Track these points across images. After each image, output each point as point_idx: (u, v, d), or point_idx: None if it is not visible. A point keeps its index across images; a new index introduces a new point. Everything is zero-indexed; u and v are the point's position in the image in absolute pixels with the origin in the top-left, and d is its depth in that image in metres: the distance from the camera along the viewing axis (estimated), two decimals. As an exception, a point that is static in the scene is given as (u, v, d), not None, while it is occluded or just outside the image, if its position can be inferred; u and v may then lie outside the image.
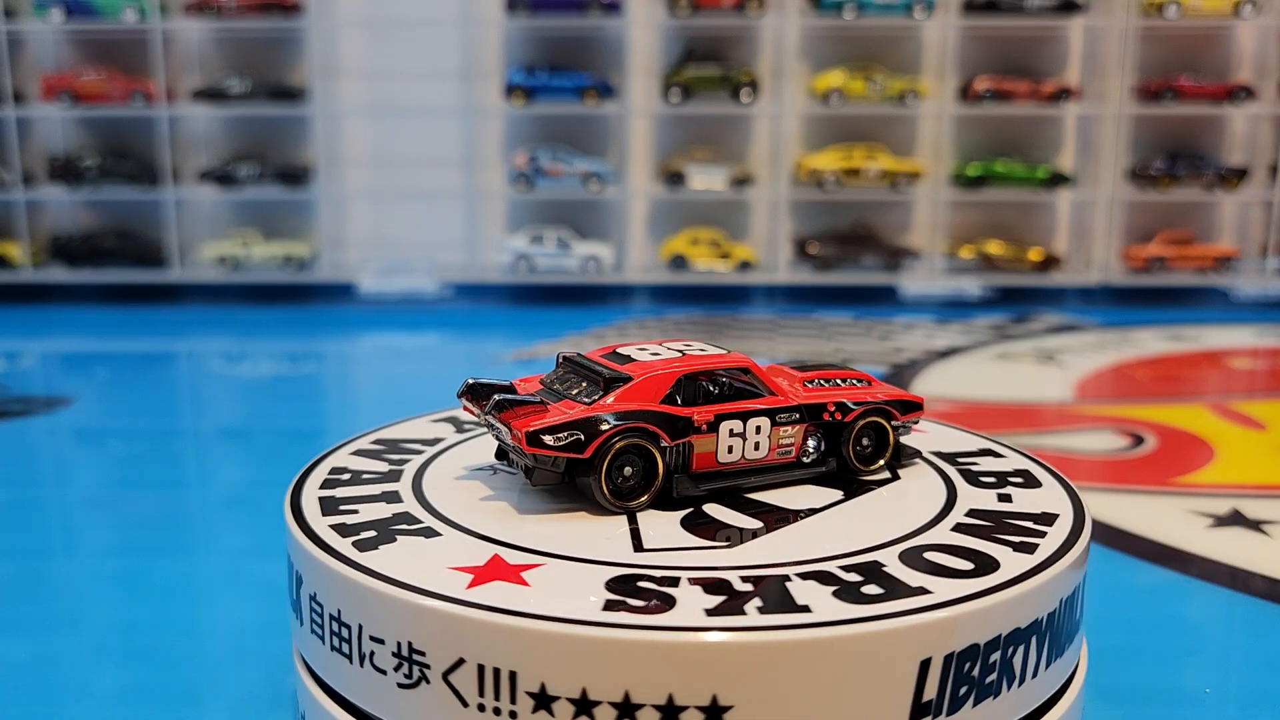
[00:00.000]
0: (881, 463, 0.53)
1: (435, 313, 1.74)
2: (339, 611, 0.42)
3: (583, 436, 0.46)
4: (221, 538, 0.82)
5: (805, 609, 0.39)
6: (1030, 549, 0.44)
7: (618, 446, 0.47)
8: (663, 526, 0.46)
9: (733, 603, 0.39)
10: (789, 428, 0.51)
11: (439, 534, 0.45)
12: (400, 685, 0.40)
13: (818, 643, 0.37)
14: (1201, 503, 0.83)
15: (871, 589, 0.40)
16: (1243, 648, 0.64)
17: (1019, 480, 0.52)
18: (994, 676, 0.40)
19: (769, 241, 1.85)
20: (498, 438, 0.49)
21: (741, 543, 0.45)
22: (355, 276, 1.81)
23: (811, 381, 0.54)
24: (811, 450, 0.52)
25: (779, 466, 0.51)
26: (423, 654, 0.39)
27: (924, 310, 1.72)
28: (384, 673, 0.41)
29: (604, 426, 0.46)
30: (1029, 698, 0.42)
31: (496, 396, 0.48)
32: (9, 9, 1.75)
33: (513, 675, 0.38)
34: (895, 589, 0.40)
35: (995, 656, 0.40)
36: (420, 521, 0.47)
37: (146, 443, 1.05)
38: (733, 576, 0.41)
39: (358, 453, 0.55)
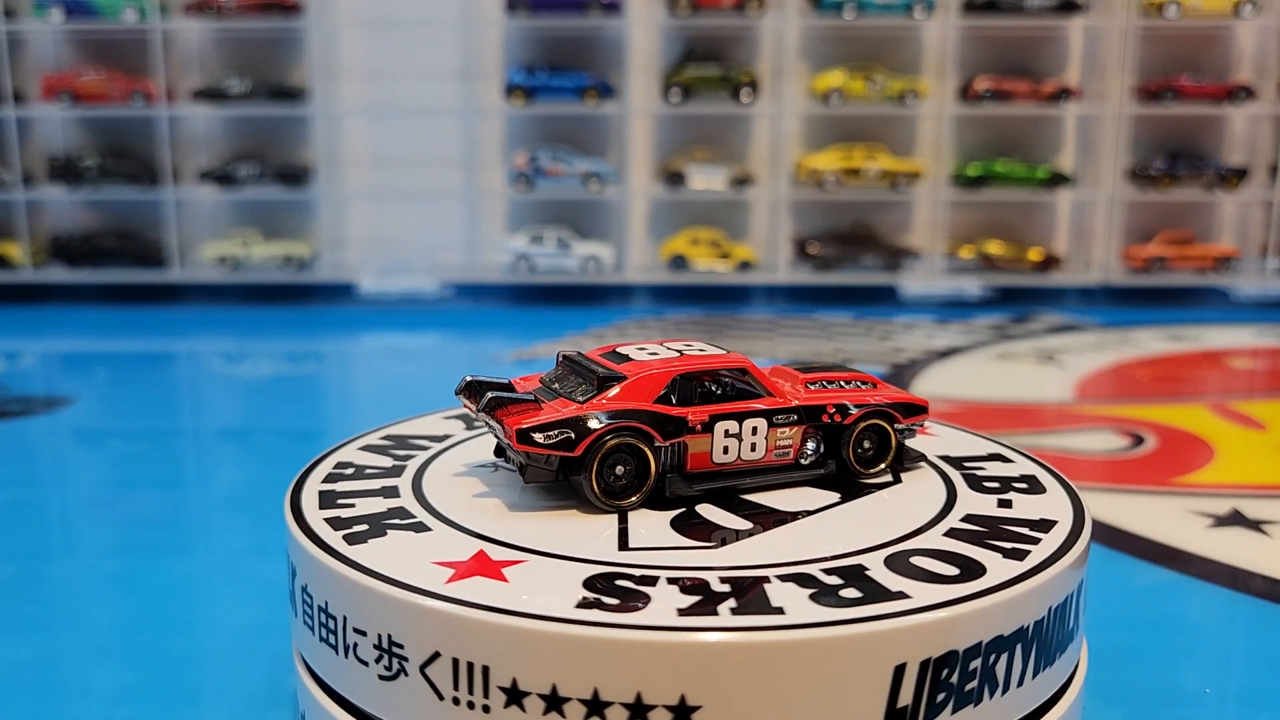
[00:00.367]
0: (883, 466, 0.53)
1: (435, 313, 1.74)
2: (326, 603, 0.43)
3: (573, 435, 0.46)
4: (221, 538, 0.82)
5: (779, 611, 0.38)
6: (1021, 555, 0.43)
7: (609, 445, 0.47)
8: (652, 526, 0.46)
9: (707, 603, 0.39)
10: (786, 429, 0.50)
11: (429, 529, 0.46)
12: (381, 677, 0.41)
13: (788, 645, 0.37)
14: (1201, 503, 0.83)
15: (850, 592, 0.40)
16: (1243, 648, 0.64)
17: (1023, 486, 0.52)
18: (975, 684, 0.40)
19: (769, 241, 1.85)
20: (496, 435, 0.50)
21: (728, 544, 0.45)
22: (355, 276, 1.81)
23: (814, 383, 0.53)
24: (810, 452, 0.51)
25: (776, 468, 0.51)
26: (401, 647, 0.40)
27: (924, 310, 1.72)
28: (366, 664, 0.41)
29: (594, 425, 0.47)
30: (1015, 706, 0.42)
31: (490, 394, 0.48)
32: (9, 9, 1.75)
33: (485, 670, 0.38)
34: (873, 593, 0.40)
35: (976, 663, 0.40)
36: (413, 516, 0.47)
37: (146, 443, 1.05)
38: (712, 577, 0.41)
39: (366, 448, 0.56)
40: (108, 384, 1.33)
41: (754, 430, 0.50)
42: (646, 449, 0.47)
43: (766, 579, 0.41)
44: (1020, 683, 0.41)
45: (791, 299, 1.81)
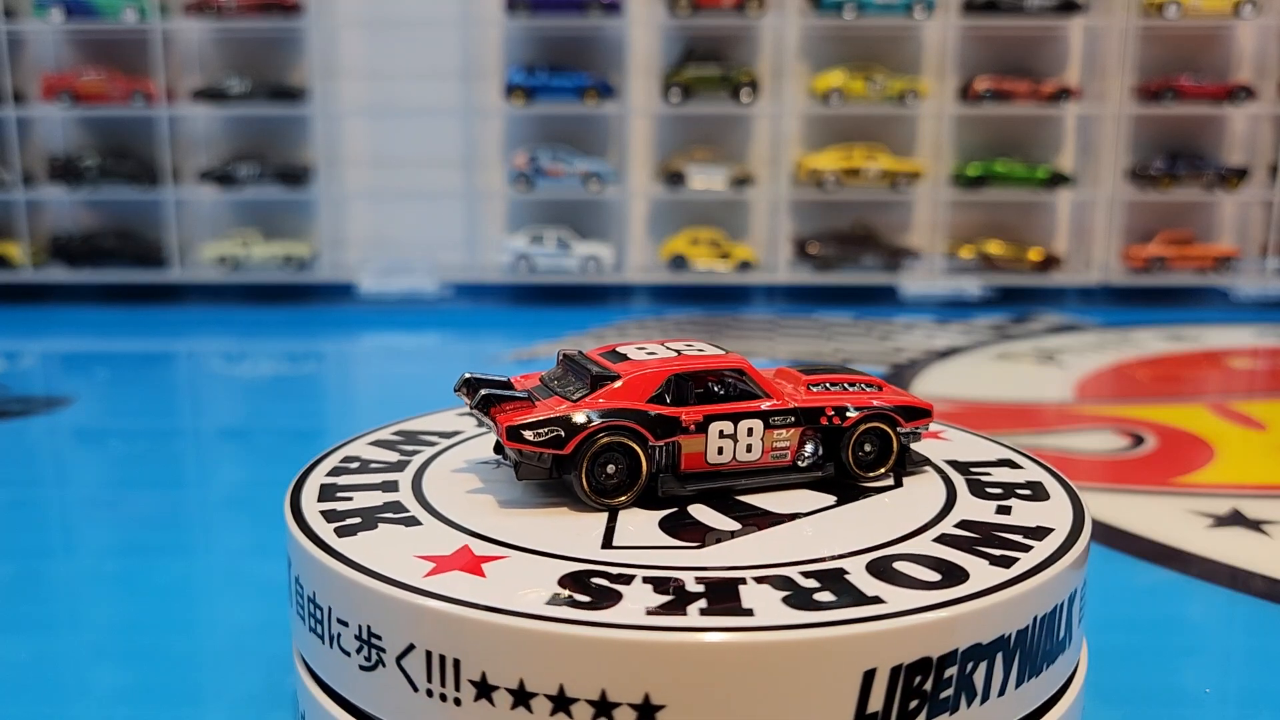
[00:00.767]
0: (883, 470, 0.52)
1: (435, 313, 1.74)
2: (314, 594, 0.44)
3: (563, 433, 0.47)
4: (221, 538, 0.82)
5: (749, 612, 0.38)
6: (1008, 563, 0.42)
7: (600, 444, 0.47)
8: (640, 525, 0.46)
9: (677, 603, 0.39)
10: (783, 430, 0.50)
11: (420, 523, 0.46)
12: (361, 667, 0.41)
13: (753, 646, 0.37)
14: (1201, 503, 0.83)
15: (824, 596, 0.39)
16: (1243, 648, 0.64)
17: (1026, 493, 0.51)
18: (950, 692, 0.39)
19: (769, 241, 1.85)
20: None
21: (712, 544, 0.45)
22: (355, 276, 1.81)
23: (817, 385, 0.53)
24: (808, 454, 0.51)
25: (773, 470, 0.50)
26: (379, 638, 0.40)
27: (924, 310, 1.72)
28: (349, 654, 0.42)
29: (584, 423, 0.47)
30: (996, 716, 0.41)
31: (483, 391, 0.48)
32: (9, 9, 1.75)
33: (456, 663, 0.39)
34: (847, 597, 0.39)
35: (952, 671, 0.39)
36: (407, 510, 0.48)
37: (146, 443, 1.05)
38: (688, 577, 0.41)
39: (376, 443, 0.57)
40: (108, 384, 1.33)
41: (749, 431, 0.49)
42: (638, 448, 0.47)
43: (743, 580, 0.41)
44: (1002, 692, 0.41)
45: (791, 299, 1.81)
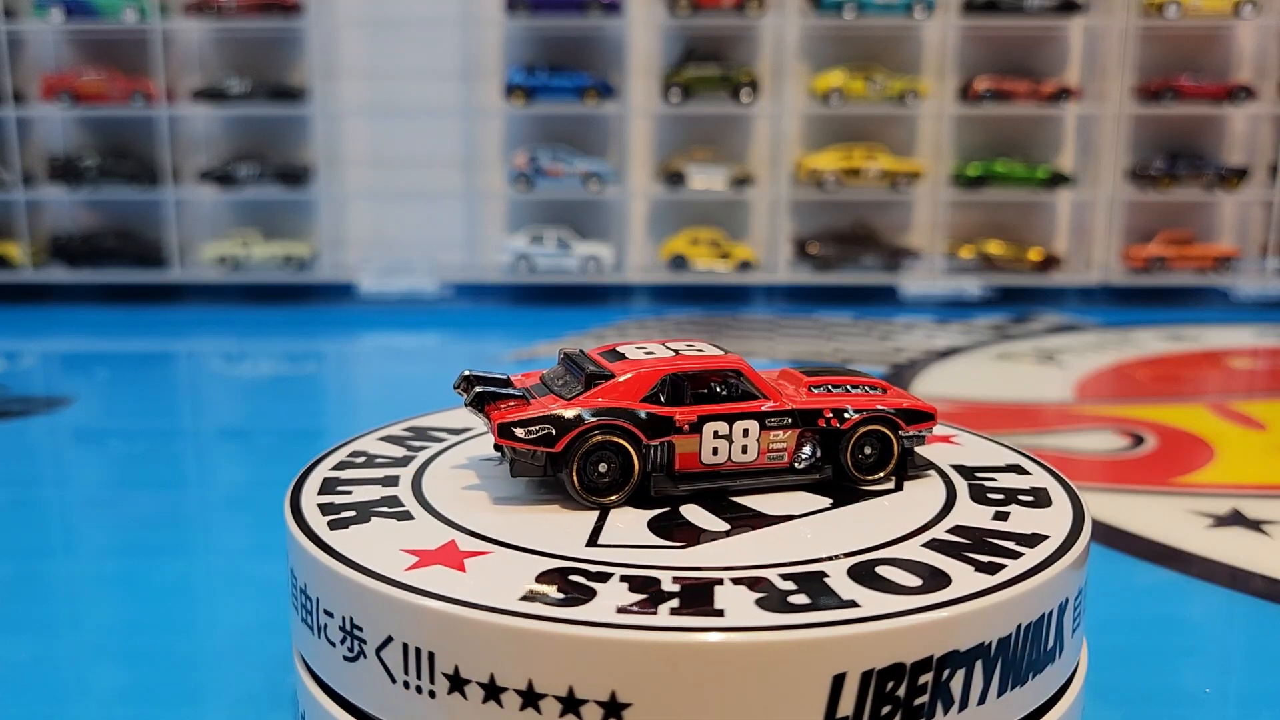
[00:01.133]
0: (883, 473, 0.51)
1: (435, 313, 1.74)
2: (305, 585, 0.44)
3: (553, 430, 0.47)
4: (221, 538, 0.82)
5: (719, 613, 0.38)
6: (994, 570, 0.42)
7: (591, 442, 0.47)
8: (629, 524, 0.46)
9: (649, 602, 0.39)
10: (780, 432, 0.50)
11: (412, 517, 0.47)
12: (345, 658, 0.42)
13: (720, 647, 0.37)
14: (1201, 503, 0.83)
15: (799, 598, 0.39)
16: (1243, 648, 0.64)
17: (1029, 499, 0.50)
18: (924, 699, 0.38)
19: (769, 241, 1.85)
20: None
21: (695, 544, 0.44)
22: (355, 276, 1.81)
23: (817, 387, 0.52)
24: (806, 456, 0.51)
25: (769, 471, 0.50)
26: (360, 630, 0.41)
27: (924, 310, 1.72)
28: (334, 645, 0.43)
29: (575, 421, 0.47)
30: None
31: (477, 389, 0.49)
32: (9, 9, 1.75)
33: (431, 656, 0.39)
34: (822, 600, 0.39)
35: (927, 678, 0.38)
36: (401, 505, 0.48)
37: (146, 443, 1.05)
38: (665, 577, 0.41)
39: (386, 438, 0.57)
40: (108, 384, 1.33)
41: (745, 432, 0.49)
42: (630, 447, 0.48)
43: (719, 581, 0.41)
44: (982, 701, 0.40)
45: (791, 299, 1.81)
